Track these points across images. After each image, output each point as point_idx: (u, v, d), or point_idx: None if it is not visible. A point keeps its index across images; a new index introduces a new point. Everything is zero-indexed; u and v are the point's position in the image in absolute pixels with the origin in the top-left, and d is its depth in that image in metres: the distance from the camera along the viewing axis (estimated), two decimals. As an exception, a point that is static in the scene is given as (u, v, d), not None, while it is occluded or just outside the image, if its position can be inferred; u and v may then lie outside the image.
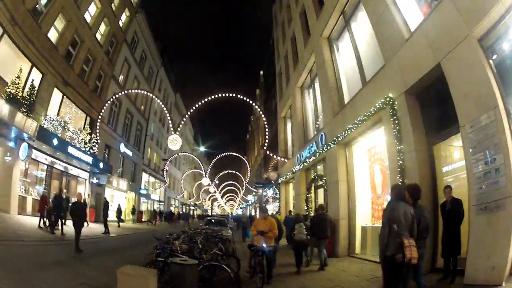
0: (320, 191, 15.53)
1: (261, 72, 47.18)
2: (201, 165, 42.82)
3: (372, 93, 9.49)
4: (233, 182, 64.03)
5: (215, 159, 37.32)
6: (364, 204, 11.47)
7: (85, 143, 19.98)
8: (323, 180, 14.37)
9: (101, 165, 22.39)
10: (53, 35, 17.67)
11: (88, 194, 21.96)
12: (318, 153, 14.40)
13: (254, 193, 43.62)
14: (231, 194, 78.21)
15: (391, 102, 8.31)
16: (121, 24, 27.00)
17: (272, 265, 7.86)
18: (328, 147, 12.95)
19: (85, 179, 22.22)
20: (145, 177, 37.04)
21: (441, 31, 6.56)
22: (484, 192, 5.42)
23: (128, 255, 11.19)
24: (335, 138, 12.16)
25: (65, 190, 17.21)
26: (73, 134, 18.98)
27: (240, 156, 36.57)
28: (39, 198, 15.09)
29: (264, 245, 7.29)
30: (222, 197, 75.17)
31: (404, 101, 7.82)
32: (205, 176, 40.30)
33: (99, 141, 21.35)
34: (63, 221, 13.78)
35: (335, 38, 13.93)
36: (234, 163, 66.90)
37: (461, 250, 5.97)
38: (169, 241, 6.98)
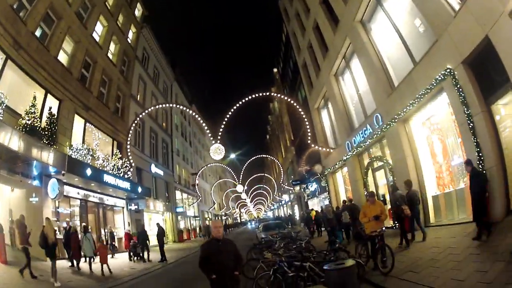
0: (379, 173, 15.44)
1: (275, 70, 45.62)
2: (232, 173, 41.52)
3: (429, 67, 9.90)
4: (262, 185, 62.97)
5: (245, 165, 35.99)
6: (430, 175, 11.77)
7: (118, 169, 18.58)
8: (384, 161, 14.26)
9: (139, 189, 20.98)
10: (63, 57, 16.42)
11: (128, 223, 20.63)
12: (375, 135, 14.20)
13: (290, 191, 42.27)
14: (259, 198, 77.47)
15: (451, 73, 8.83)
16: (129, 41, 25.86)
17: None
18: (388, 127, 12.95)
19: (122, 207, 20.90)
20: (177, 194, 35.77)
21: (482, 8, 7.45)
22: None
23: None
24: (395, 116, 12.26)
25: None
26: (103, 161, 17.61)
27: (272, 158, 35.25)
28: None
29: (384, 227, 7.40)
30: (250, 202, 74.96)
31: (463, 71, 8.50)
32: (238, 183, 39.04)
33: (133, 164, 19.94)
34: (148, 250, 16.51)
35: (368, 21, 14.02)
36: (258, 167, 65.84)
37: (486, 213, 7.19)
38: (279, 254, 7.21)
